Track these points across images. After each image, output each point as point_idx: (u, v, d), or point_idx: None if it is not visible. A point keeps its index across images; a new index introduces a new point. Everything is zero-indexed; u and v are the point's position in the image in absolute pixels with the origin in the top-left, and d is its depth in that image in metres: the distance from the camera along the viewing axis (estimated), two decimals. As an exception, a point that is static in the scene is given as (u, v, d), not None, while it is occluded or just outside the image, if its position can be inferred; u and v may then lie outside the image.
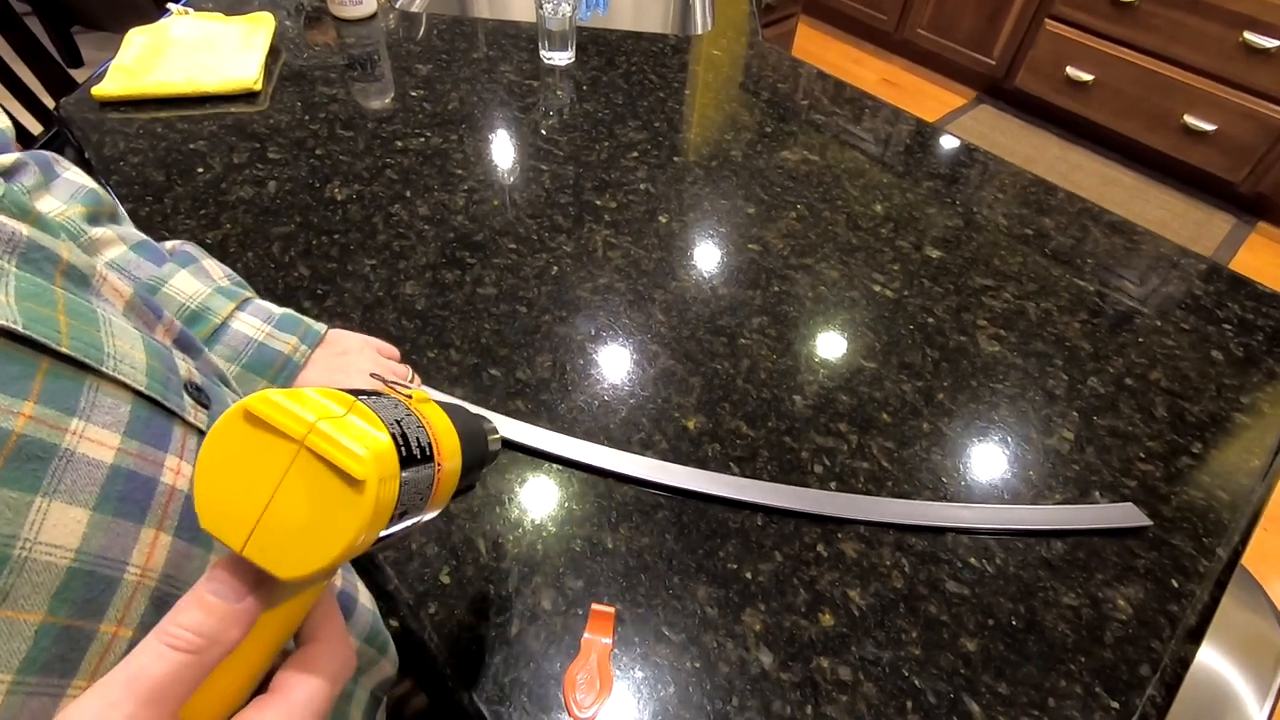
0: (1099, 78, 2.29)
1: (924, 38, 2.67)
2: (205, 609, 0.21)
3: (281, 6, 1.13)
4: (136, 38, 0.99)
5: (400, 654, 0.47)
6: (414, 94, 0.99)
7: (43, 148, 0.55)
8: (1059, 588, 0.54)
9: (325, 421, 0.21)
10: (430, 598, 0.51)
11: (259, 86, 0.95)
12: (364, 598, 0.44)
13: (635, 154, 0.93)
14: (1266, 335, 0.77)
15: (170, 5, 1.06)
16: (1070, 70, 2.33)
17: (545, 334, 0.69)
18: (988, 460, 0.63)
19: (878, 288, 0.77)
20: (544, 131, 0.95)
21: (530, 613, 0.50)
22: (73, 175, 0.50)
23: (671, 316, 0.72)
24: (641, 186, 0.88)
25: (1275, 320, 0.79)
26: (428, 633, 0.49)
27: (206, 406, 0.32)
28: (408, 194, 0.83)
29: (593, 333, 0.70)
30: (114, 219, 0.53)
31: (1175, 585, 0.55)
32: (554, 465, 0.59)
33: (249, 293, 0.56)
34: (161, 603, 0.27)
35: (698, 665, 0.48)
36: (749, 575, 0.53)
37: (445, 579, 0.52)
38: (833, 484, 0.59)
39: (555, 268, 0.76)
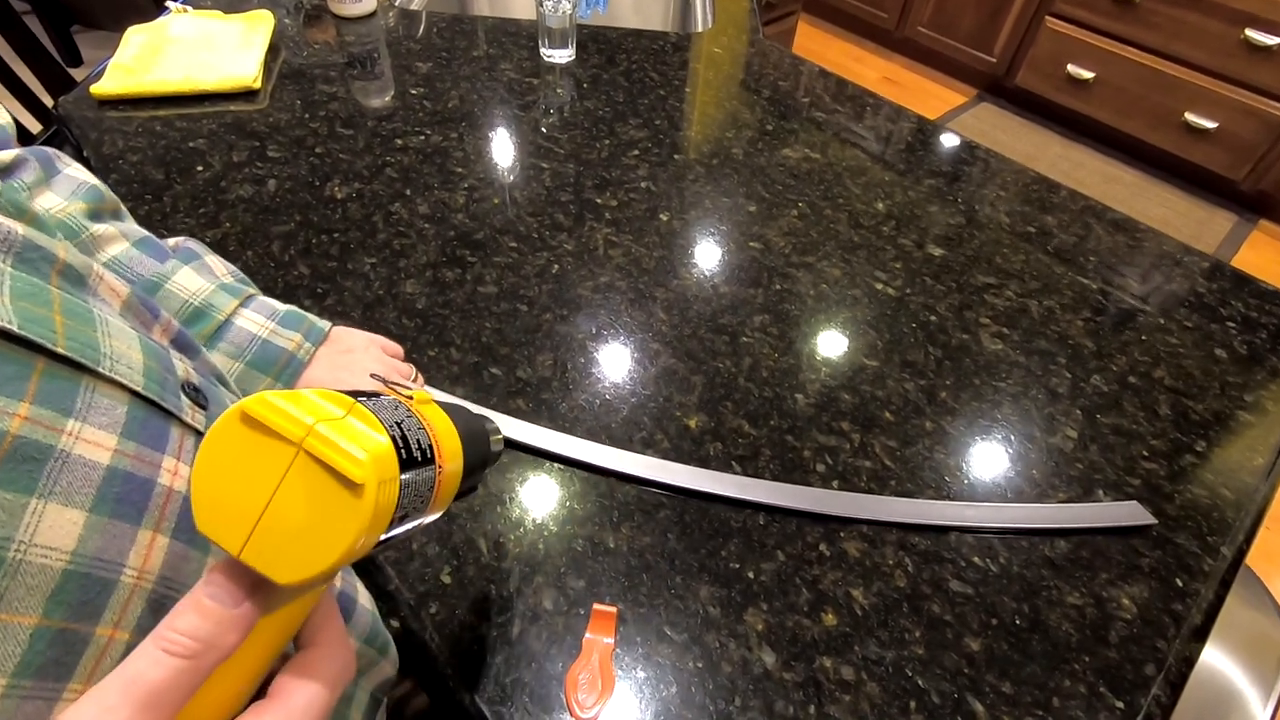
0: (1100, 75, 2.28)
1: (925, 35, 2.66)
2: (202, 613, 0.20)
3: (281, 4, 1.13)
4: (135, 36, 0.98)
5: (401, 655, 0.47)
6: (414, 92, 0.99)
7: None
8: (1063, 587, 0.54)
9: (323, 424, 0.20)
10: (431, 598, 0.50)
11: (258, 85, 0.95)
12: (364, 598, 0.44)
13: (636, 152, 0.92)
14: (1270, 333, 0.77)
15: (169, 3, 1.05)
16: (1071, 68, 2.33)
17: (546, 333, 0.69)
18: (991, 459, 0.62)
19: (880, 286, 0.77)
20: (544, 129, 0.95)
21: (532, 613, 0.50)
22: (74, 171, 0.50)
23: (673, 315, 0.72)
24: (642, 184, 0.87)
25: (1278, 318, 0.78)
26: (429, 633, 0.49)
27: (204, 407, 0.32)
28: (408, 192, 0.83)
29: (594, 331, 0.70)
30: (116, 215, 0.52)
31: (1180, 584, 0.55)
32: (555, 464, 0.59)
33: (252, 289, 0.55)
34: (158, 605, 0.26)
35: (700, 665, 0.48)
36: (751, 575, 0.53)
37: (446, 579, 0.51)
38: (835, 483, 0.59)
39: (556, 266, 0.76)
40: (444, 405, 0.31)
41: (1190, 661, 0.51)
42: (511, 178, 0.87)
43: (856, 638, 0.50)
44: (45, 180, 0.48)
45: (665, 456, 0.60)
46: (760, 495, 0.57)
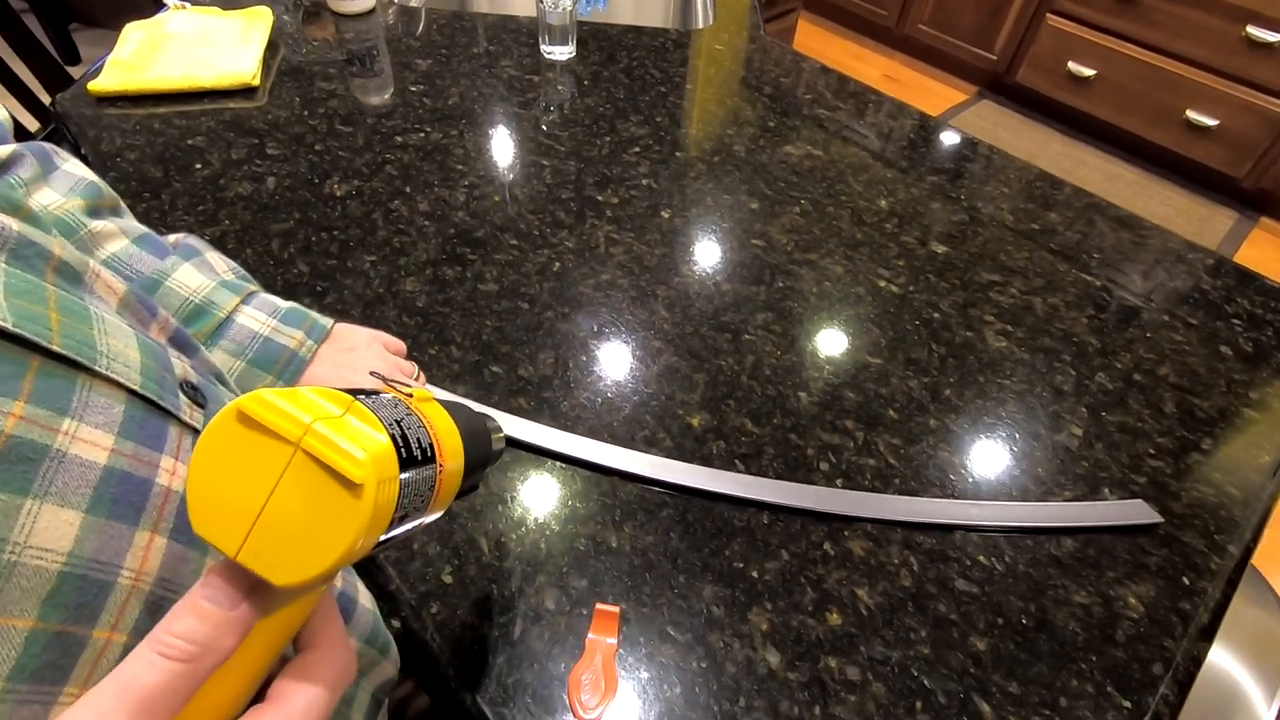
0: (1101, 73, 2.28)
1: (925, 33, 2.65)
2: (199, 616, 0.20)
3: (279, 1, 1.12)
4: (133, 33, 0.98)
5: (402, 655, 0.46)
6: (414, 89, 0.98)
7: (38, 143, 0.54)
8: (1070, 586, 0.54)
9: (321, 423, 0.20)
10: (432, 598, 0.50)
11: (257, 82, 0.94)
12: (364, 598, 0.43)
13: (637, 149, 0.92)
14: (1275, 330, 0.76)
15: (167, 0, 1.05)
16: (1072, 65, 2.32)
17: (547, 331, 0.68)
18: (996, 457, 0.62)
19: (883, 283, 0.77)
20: (545, 127, 0.94)
21: (534, 613, 0.49)
22: (72, 167, 0.49)
23: (675, 313, 0.71)
24: (644, 182, 0.87)
25: (1284, 315, 0.78)
26: (430, 633, 0.48)
27: (203, 406, 0.31)
28: (408, 190, 0.82)
29: (595, 329, 0.69)
30: (115, 212, 0.52)
31: (1187, 583, 0.55)
32: (557, 463, 0.58)
33: (254, 286, 0.55)
34: (156, 607, 0.26)
35: (704, 665, 0.48)
36: (755, 574, 0.52)
37: (447, 579, 0.51)
38: (839, 481, 0.59)
39: (557, 264, 0.75)
40: (445, 403, 0.30)
41: (1198, 661, 0.51)
42: (512, 175, 0.86)
43: (861, 637, 0.50)
44: (43, 176, 0.47)
45: (668, 455, 0.59)
46: (764, 494, 0.56)
